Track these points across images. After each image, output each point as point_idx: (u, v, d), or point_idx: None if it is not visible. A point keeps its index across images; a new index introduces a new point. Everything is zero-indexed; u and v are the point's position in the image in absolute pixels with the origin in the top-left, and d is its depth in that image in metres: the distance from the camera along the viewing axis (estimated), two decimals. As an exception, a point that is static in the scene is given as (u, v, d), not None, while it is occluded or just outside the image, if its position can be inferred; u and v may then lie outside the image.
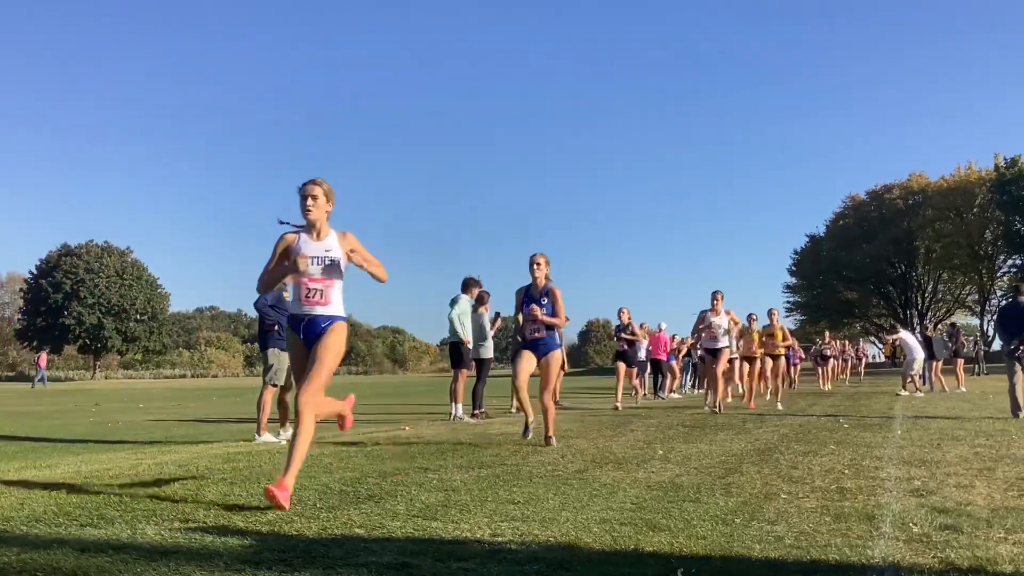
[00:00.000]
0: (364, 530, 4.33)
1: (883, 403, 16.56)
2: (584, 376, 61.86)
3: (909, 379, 20.25)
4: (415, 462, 7.27)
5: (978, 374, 33.91)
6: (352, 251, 5.46)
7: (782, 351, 16.21)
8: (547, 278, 9.00)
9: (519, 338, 9.20)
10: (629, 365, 16.74)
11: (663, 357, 20.55)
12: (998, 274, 67.63)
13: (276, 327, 9.72)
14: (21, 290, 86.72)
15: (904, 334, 21.44)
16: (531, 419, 9.37)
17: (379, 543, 4.03)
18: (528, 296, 8.97)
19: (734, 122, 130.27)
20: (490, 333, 13.62)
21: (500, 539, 4.10)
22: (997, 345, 49.21)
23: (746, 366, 16.41)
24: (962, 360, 23.58)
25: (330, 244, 5.41)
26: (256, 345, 12.96)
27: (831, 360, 26.04)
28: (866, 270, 70.78)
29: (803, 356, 31.24)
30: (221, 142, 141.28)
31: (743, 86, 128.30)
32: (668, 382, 21.24)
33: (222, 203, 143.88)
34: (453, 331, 12.94)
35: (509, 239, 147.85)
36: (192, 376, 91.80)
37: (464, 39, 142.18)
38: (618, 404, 15.49)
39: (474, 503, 5.11)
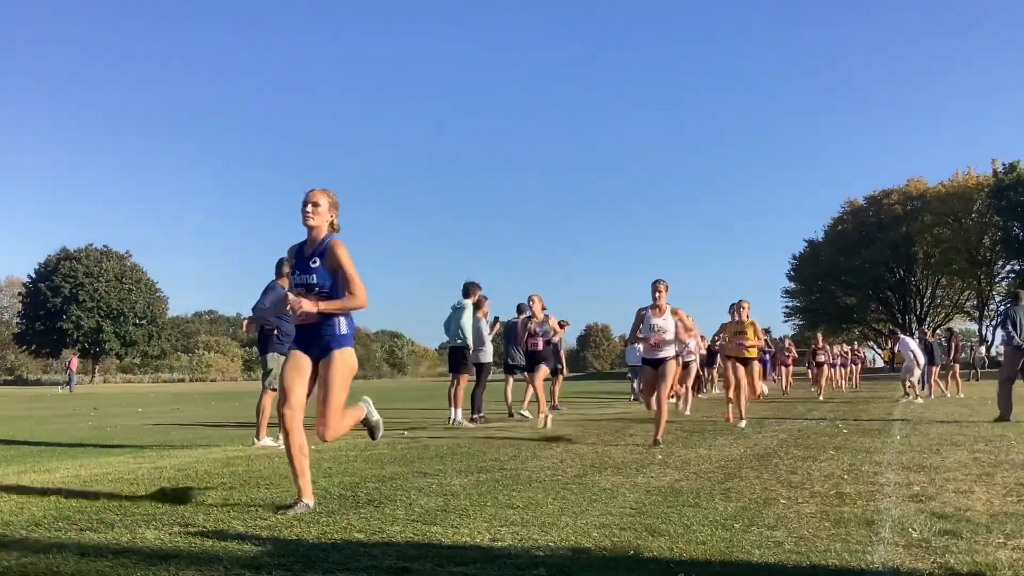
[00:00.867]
0: (363, 535, 4.33)
1: (882, 408, 16.56)
2: (584, 380, 61.86)
3: (909, 384, 20.11)
4: (414, 467, 7.27)
5: (971, 379, 33.92)
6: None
7: (753, 353, 12.52)
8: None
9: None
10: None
11: None
12: (996, 279, 67.71)
13: (275, 331, 9.72)
14: (20, 294, 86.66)
15: (903, 340, 21.19)
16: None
17: (378, 548, 4.03)
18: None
19: (732, 127, 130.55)
20: (488, 337, 13.62)
21: (500, 544, 4.10)
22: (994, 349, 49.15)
23: (740, 369, 12.61)
24: (959, 366, 23.58)
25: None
26: (255, 349, 12.95)
27: (825, 366, 24.43)
28: (865, 275, 70.81)
29: (796, 356, 30.38)
30: (220, 146, 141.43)
31: (740, 90, 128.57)
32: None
33: (221, 207, 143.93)
34: (456, 336, 12.95)
35: (506, 241, 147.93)
36: (191, 380, 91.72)
37: (447, 39, 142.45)
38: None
39: (473, 508, 5.11)
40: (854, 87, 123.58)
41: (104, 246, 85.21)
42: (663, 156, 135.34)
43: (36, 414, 19.45)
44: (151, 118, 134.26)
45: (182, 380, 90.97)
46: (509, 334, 14.99)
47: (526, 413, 13.81)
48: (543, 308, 13.94)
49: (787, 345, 29.25)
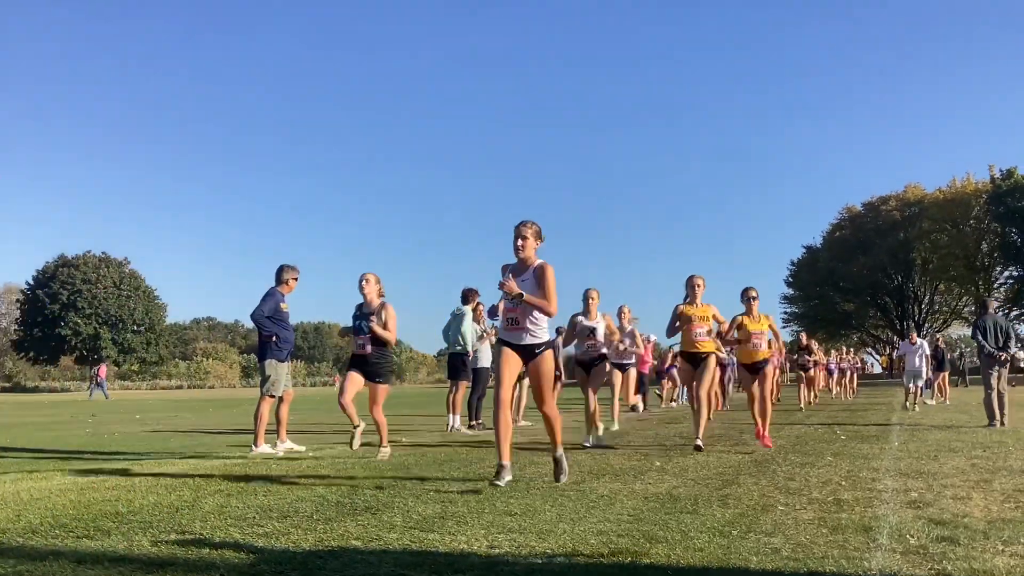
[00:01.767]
0: (361, 542, 4.33)
1: (880, 414, 16.57)
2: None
3: (912, 391, 18.87)
4: (412, 473, 7.27)
5: (959, 385, 34.01)
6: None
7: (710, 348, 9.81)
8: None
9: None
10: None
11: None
12: (995, 285, 67.72)
13: (274, 338, 9.71)
14: (18, 301, 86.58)
15: (903, 346, 20.29)
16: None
17: (376, 555, 4.02)
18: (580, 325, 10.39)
19: (729, 133, 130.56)
20: (486, 344, 13.60)
21: (497, 551, 4.10)
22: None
23: (753, 377, 10.24)
24: (947, 373, 23.56)
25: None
26: (253, 356, 12.92)
27: (811, 371, 21.33)
28: (863, 281, 70.89)
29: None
30: (218, 152, 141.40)
31: (737, 97, 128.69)
32: (666, 392, 21.25)
33: (220, 214, 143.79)
34: (456, 342, 12.94)
35: (504, 249, 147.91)
36: (189, 387, 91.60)
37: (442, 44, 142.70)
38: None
39: (471, 515, 5.11)
40: (852, 93, 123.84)
41: (102, 253, 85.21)
42: (659, 162, 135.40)
43: (34, 421, 19.42)
44: (149, 124, 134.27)
45: (180, 387, 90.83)
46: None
47: (525, 423, 13.76)
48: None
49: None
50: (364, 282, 8.71)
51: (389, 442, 8.86)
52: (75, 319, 80.00)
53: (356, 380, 8.60)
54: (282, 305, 9.82)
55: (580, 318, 10.49)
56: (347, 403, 8.56)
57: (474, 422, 13.12)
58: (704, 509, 5.29)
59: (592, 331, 10.45)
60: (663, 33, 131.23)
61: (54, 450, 10.55)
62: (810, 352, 21.75)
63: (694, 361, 9.66)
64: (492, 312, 7.15)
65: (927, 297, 73.94)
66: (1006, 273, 66.78)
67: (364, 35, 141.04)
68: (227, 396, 50.85)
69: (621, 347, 12.32)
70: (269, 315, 9.68)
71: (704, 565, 3.81)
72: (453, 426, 12.76)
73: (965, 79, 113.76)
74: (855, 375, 29.71)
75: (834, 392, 26.73)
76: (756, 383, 10.00)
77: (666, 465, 7.78)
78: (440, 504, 5.54)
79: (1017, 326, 58.67)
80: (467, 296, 13.30)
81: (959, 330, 74.72)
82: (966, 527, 4.61)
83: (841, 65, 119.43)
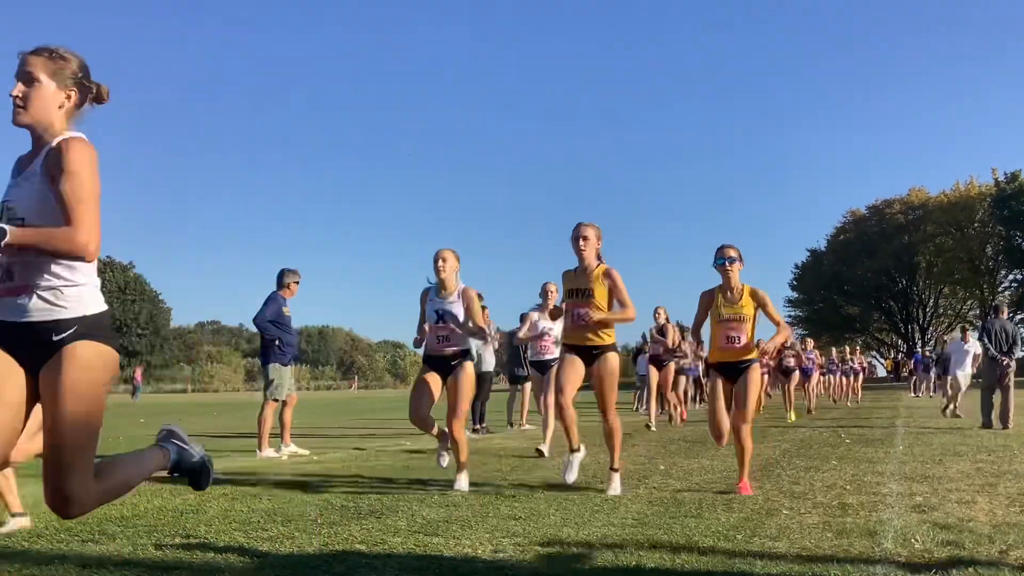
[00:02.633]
0: (365, 546, 4.33)
1: (885, 418, 16.53)
2: (586, 390, 61.70)
3: (954, 396, 16.58)
4: (416, 477, 7.27)
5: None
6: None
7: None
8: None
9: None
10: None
11: None
12: (999, 289, 67.60)
13: (277, 342, 9.72)
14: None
15: (954, 345, 17.50)
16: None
17: (380, 559, 4.03)
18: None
19: (732, 135, 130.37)
20: (490, 349, 13.61)
21: (502, 555, 4.10)
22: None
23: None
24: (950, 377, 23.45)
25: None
26: (257, 360, 12.93)
27: (795, 374, 18.16)
28: (867, 285, 70.82)
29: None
30: (223, 154, 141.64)
31: (740, 99, 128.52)
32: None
33: (224, 218, 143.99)
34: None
35: (507, 251, 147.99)
36: (193, 391, 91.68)
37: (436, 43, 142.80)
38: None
39: (475, 519, 5.11)
40: (855, 96, 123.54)
41: (107, 257, 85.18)
42: (662, 164, 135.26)
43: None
44: (153, 126, 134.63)
45: (184, 391, 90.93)
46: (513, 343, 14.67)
47: (529, 427, 13.74)
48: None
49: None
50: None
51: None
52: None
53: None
54: (284, 309, 9.84)
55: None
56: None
57: (477, 426, 13.12)
58: (708, 513, 5.29)
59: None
60: (666, 33, 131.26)
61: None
62: (796, 351, 18.75)
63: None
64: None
65: (931, 301, 73.84)
66: (1010, 276, 66.70)
67: (366, 35, 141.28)
68: (231, 400, 50.89)
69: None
70: (271, 319, 9.70)
71: (709, 569, 3.81)
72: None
73: (969, 82, 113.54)
74: (858, 377, 25.92)
75: (835, 397, 24.04)
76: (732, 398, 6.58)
77: (671, 469, 7.78)
78: (444, 508, 5.54)
79: (1022, 330, 58.51)
80: (473, 299, 13.30)
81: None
82: (971, 531, 4.61)
83: (844, 67, 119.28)
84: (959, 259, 67.25)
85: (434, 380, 6.88)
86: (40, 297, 2.79)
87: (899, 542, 4.33)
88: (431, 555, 4.12)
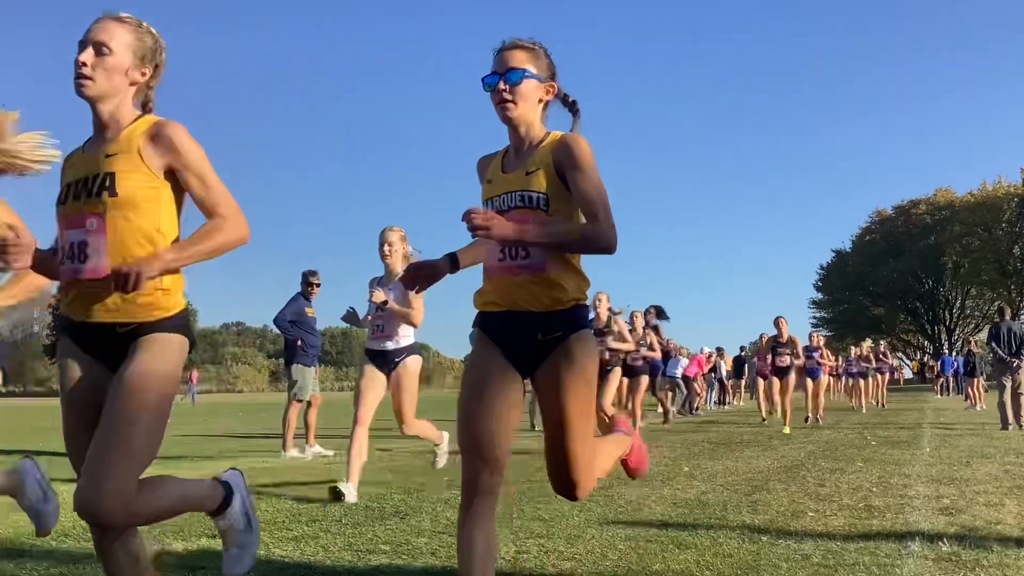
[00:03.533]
0: (389, 547, 4.34)
1: (911, 419, 16.38)
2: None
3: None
4: (440, 477, 7.28)
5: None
6: None
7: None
8: None
9: None
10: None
11: (693, 374, 20.67)
12: (1027, 290, 66.85)
13: (299, 343, 9.78)
14: (50, 306, 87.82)
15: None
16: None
17: (404, 560, 4.04)
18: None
19: (757, 134, 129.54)
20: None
21: (525, 556, 4.10)
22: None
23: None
24: (980, 379, 23.12)
25: None
26: (281, 361, 13.00)
27: (791, 372, 15.09)
28: (893, 286, 70.20)
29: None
30: (246, 153, 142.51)
31: (765, 98, 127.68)
32: (694, 399, 21.19)
33: (250, 217, 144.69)
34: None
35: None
36: (218, 391, 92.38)
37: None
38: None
39: (499, 520, 5.06)
40: (881, 95, 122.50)
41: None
42: (686, 162, 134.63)
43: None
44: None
45: (209, 391, 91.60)
46: None
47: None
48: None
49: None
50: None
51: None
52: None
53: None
54: (307, 310, 9.90)
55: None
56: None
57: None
58: (733, 515, 5.26)
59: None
60: (689, 26, 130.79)
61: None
62: (792, 348, 15.07)
63: None
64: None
65: (958, 302, 73.05)
66: (1039, 277, 65.88)
67: (372, 33, 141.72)
68: (256, 400, 51.22)
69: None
70: (292, 319, 9.75)
71: (733, 572, 3.79)
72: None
73: (996, 82, 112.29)
74: (884, 379, 23.84)
75: (856, 403, 21.93)
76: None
77: (695, 471, 7.75)
78: (468, 509, 5.54)
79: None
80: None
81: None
82: (999, 534, 4.56)
83: (870, 67, 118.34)
84: (986, 260, 66.50)
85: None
86: None
87: (926, 545, 4.29)
88: (454, 555, 4.12)
